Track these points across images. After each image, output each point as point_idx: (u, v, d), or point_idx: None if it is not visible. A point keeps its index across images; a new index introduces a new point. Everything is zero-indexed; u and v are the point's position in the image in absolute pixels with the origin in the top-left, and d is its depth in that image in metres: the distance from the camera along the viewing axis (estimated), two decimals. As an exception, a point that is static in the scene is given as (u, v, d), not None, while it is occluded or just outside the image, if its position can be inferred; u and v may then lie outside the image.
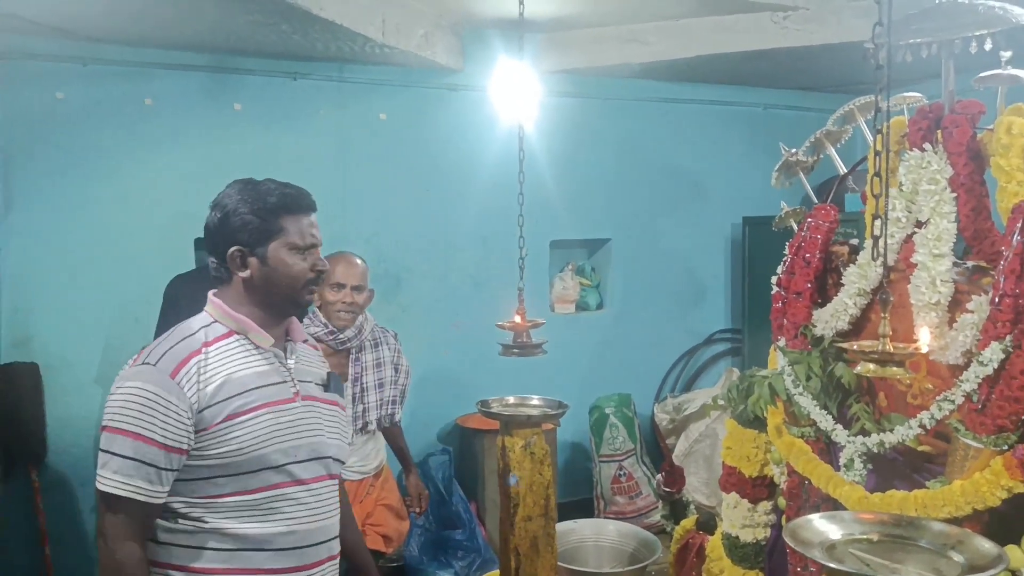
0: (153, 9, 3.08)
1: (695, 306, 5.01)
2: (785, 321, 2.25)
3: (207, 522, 1.57)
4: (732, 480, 2.51)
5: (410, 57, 3.83)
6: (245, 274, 1.66)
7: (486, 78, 4.07)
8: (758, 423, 2.40)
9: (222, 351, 1.61)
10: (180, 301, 3.00)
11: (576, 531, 3.36)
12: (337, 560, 1.75)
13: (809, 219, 2.29)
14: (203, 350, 1.60)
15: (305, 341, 1.82)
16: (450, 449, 4.10)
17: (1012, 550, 1.63)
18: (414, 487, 3.14)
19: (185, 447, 1.53)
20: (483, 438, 3.97)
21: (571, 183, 4.52)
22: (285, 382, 1.67)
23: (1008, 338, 1.69)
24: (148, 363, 1.56)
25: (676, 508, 3.20)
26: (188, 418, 1.53)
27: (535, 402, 2.66)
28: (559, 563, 2.59)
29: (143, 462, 1.50)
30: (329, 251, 3.70)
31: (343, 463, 1.77)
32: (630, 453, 4.45)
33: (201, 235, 3.80)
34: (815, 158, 2.51)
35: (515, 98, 3.12)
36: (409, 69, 4.05)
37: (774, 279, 2.33)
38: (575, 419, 4.31)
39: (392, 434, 3.09)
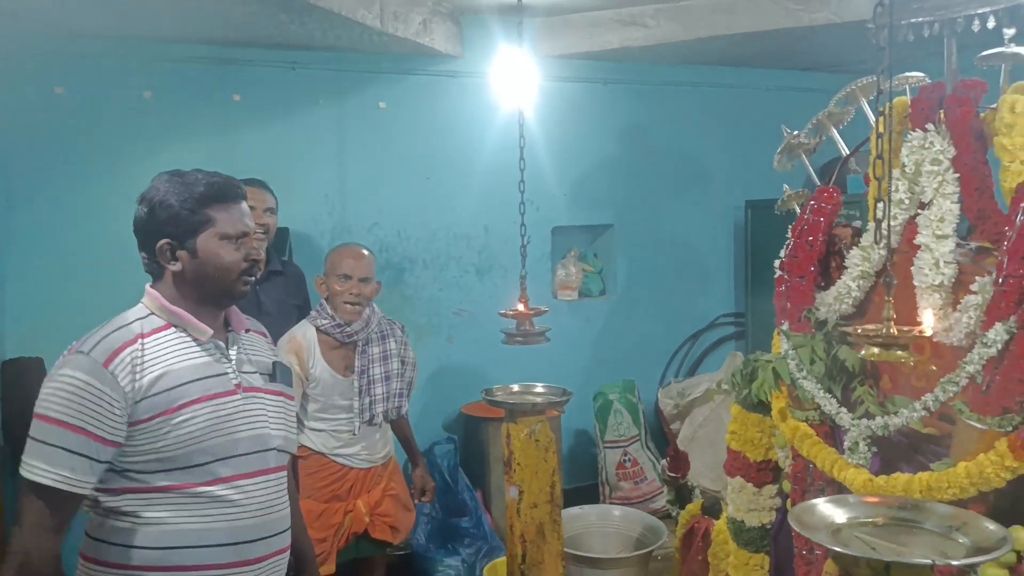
0: (151, 2, 3.06)
1: (698, 291, 5.00)
2: (788, 305, 2.25)
3: (142, 517, 1.54)
4: (737, 464, 2.51)
5: (408, 44, 3.80)
6: (176, 267, 1.63)
7: (486, 64, 4.05)
8: (762, 407, 2.40)
9: (159, 343, 1.58)
10: None
11: (582, 517, 3.38)
12: (285, 554, 1.72)
13: (812, 202, 2.28)
14: (139, 341, 1.56)
15: (248, 331, 1.78)
16: (455, 437, 4.11)
17: (1017, 531, 1.63)
18: (420, 479, 3.14)
19: (119, 440, 1.51)
20: (488, 426, 3.97)
21: (572, 169, 4.51)
22: (225, 374, 1.64)
23: (1012, 319, 1.68)
24: (81, 352, 1.53)
25: (681, 493, 3.20)
26: (121, 409, 1.50)
27: (539, 389, 2.67)
28: (565, 549, 2.60)
29: (73, 452, 1.46)
30: (331, 243, 3.73)
31: (290, 454, 1.76)
32: (634, 439, 4.46)
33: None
34: (817, 140, 2.49)
35: (515, 84, 3.11)
36: (408, 56, 4.03)
37: (777, 263, 2.32)
38: (579, 406, 4.31)
39: (399, 426, 3.09)
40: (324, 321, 2.81)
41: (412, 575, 3.67)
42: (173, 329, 1.62)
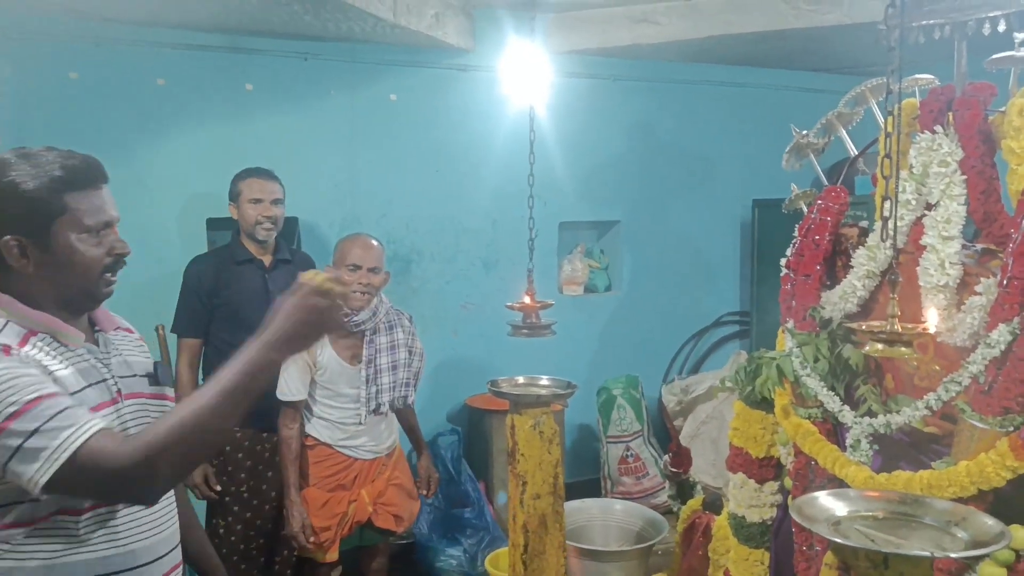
0: (165, -11, 3.09)
1: (704, 289, 5.01)
2: (794, 303, 2.26)
3: (25, 553, 1.34)
4: (739, 460, 2.53)
5: (421, 37, 3.82)
6: (28, 267, 1.39)
7: (497, 58, 4.07)
8: (765, 404, 2.41)
9: (32, 354, 1.36)
10: (202, 283, 3.01)
11: (584, 510, 3.40)
12: (179, 569, 1.57)
13: (819, 201, 2.29)
14: (11, 353, 1.33)
15: (117, 328, 1.58)
16: (459, 429, 4.13)
17: (1016, 529, 1.64)
18: (425, 470, 3.17)
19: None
20: (492, 418, 4.00)
21: (581, 165, 4.52)
22: (104, 381, 1.44)
23: (1016, 320, 1.69)
24: None
25: (683, 489, 3.21)
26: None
27: (544, 382, 2.69)
28: (567, 540, 2.63)
29: (71, 407, 1.27)
30: (340, 233, 3.75)
31: None
32: (637, 434, 4.48)
33: (214, 215, 3.80)
34: (826, 140, 2.50)
35: (526, 79, 3.12)
36: (420, 49, 4.05)
37: (783, 261, 2.34)
38: (583, 400, 4.33)
39: (404, 416, 3.12)
40: (332, 310, 2.83)
41: (415, 564, 3.71)
42: (39, 336, 1.39)
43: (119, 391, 1.47)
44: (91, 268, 1.43)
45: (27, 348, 1.36)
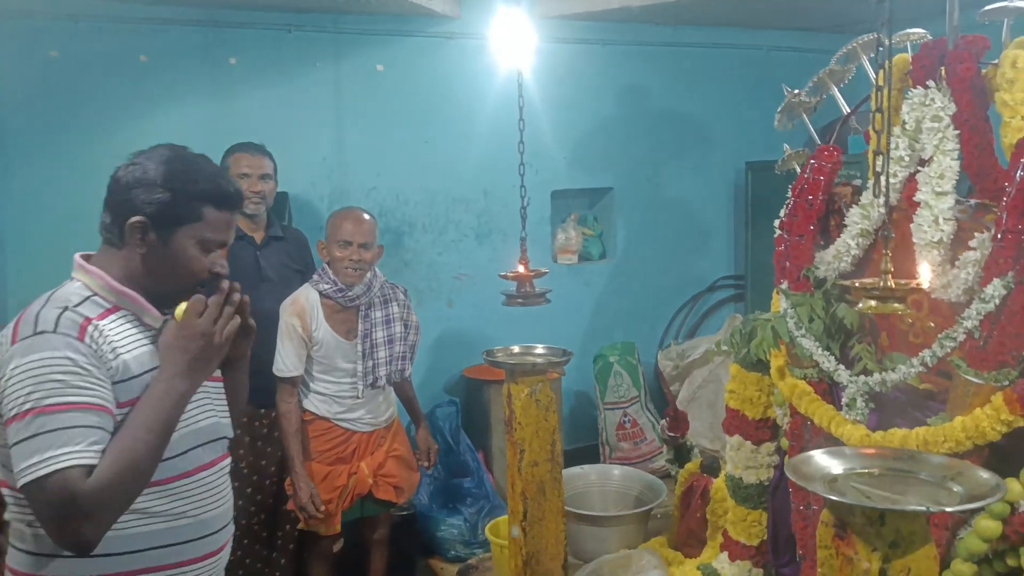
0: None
1: (698, 253, 5.00)
2: (788, 264, 2.26)
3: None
4: (736, 423, 2.55)
5: (406, 6, 3.76)
6: (140, 249, 1.48)
7: (484, 25, 4.00)
8: (761, 366, 2.42)
9: (111, 328, 1.43)
10: None
11: (582, 476, 3.43)
12: (231, 540, 1.66)
13: (812, 161, 2.28)
14: (93, 322, 1.41)
15: None
16: (457, 400, 4.14)
17: (1011, 483, 1.65)
18: (423, 441, 3.18)
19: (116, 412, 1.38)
20: (489, 388, 4.00)
21: (572, 132, 4.48)
22: None
23: (1010, 274, 1.69)
24: (45, 331, 1.36)
25: (680, 452, 3.24)
26: (108, 383, 1.38)
27: (539, 350, 2.70)
28: (566, 507, 2.64)
29: (93, 427, 1.31)
30: (330, 207, 3.73)
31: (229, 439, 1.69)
32: (634, 400, 4.49)
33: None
34: (818, 98, 2.48)
35: (513, 45, 3.07)
36: (405, 18, 3.99)
37: (777, 222, 2.33)
38: (580, 368, 4.34)
39: (401, 388, 3.12)
40: (326, 286, 2.82)
41: (416, 534, 3.73)
42: (121, 312, 1.47)
43: None
44: (190, 278, 1.51)
45: (105, 322, 1.42)
